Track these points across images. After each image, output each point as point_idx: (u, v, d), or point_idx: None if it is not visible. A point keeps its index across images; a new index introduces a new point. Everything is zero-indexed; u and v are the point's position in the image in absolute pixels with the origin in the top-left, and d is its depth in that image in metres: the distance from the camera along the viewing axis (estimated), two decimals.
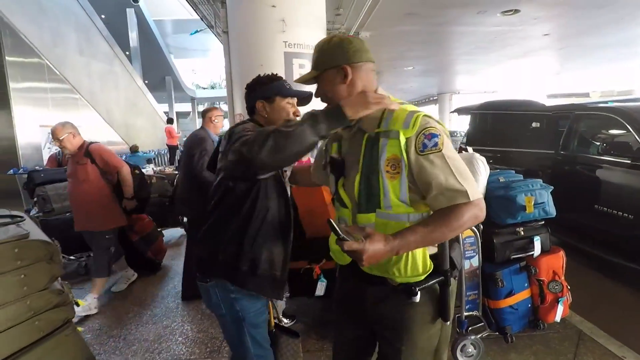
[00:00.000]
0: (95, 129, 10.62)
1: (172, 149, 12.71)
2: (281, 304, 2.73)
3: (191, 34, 11.64)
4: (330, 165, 1.21)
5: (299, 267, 2.51)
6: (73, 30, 10.15)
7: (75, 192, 3.11)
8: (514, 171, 2.56)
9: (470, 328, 2.23)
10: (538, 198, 2.26)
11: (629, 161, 3.17)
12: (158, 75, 21.80)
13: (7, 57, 7.30)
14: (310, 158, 3.46)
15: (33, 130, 7.73)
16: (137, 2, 15.98)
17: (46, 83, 8.63)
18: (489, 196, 2.33)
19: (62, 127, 2.97)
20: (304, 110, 1.38)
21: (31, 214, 3.78)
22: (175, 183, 4.15)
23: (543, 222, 2.41)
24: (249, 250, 1.32)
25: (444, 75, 16.06)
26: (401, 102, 1.10)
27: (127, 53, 15.42)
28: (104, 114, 11.18)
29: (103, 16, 12.88)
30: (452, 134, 12.73)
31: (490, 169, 2.42)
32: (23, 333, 1.64)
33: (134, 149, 10.14)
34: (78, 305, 2.16)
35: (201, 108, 33.15)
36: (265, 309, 1.47)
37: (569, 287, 2.37)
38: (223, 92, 26.79)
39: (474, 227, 2.23)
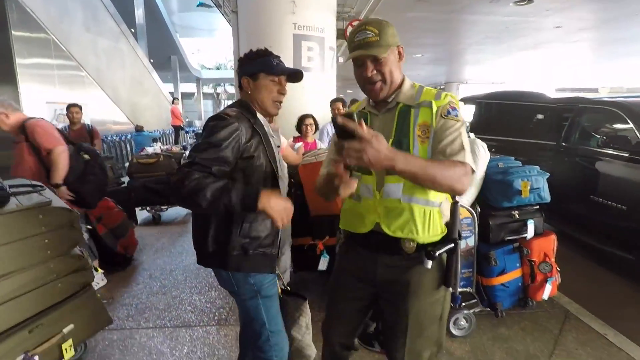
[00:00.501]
0: (101, 108, 10.66)
1: (177, 129, 12.76)
2: (286, 278, 2.86)
3: (197, 4, 11.53)
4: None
5: (303, 243, 2.63)
6: (79, 5, 10.05)
7: (14, 175, 2.63)
8: (513, 157, 2.64)
9: (464, 304, 2.37)
10: (534, 183, 2.37)
11: (626, 154, 3.24)
12: (164, 54, 21.66)
13: (13, 32, 7.22)
14: (316, 141, 3.55)
15: (40, 107, 7.74)
16: None
17: (52, 59, 8.60)
18: (487, 180, 2.44)
19: None
20: (296, 87, 1.42)
21: None
22: (181, 162, 4.18)
23: (538, 207, 2.52)
24: (236, 238, 1.33)
25: (453, 64, 15.88)
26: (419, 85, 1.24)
27: (133, 31, 15.29)
28: (110, 93, 11.17)
29: None
30: None
31: (491, 157, 2.52)
32: (47, 294, 1.77)
33: (139, 129, 10.22)
34: (97, 271, 2.29)
35: (206, 89, 33.02)
36: (276, 281, 1.47)
37: (558, 269, 2.50)
38: (228, 73, 26.61)
39: (471, 209, 2.35)
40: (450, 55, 13.35)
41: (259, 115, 1.40)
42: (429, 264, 1.19)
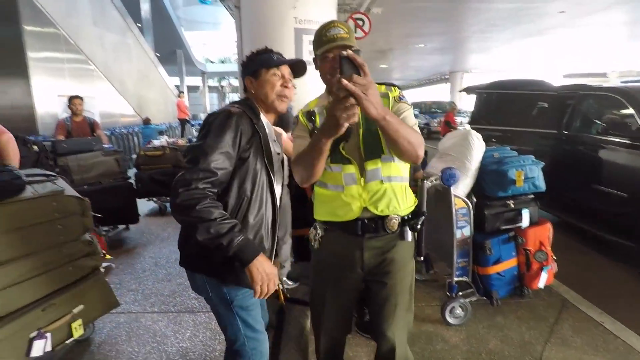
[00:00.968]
0: (109, 101, 10.81)
1: (183, 122, 12.86)
2: (286, 268, 2.93)
3: (200, 1, 11.56)
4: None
5: (303, 233, 2.68)
6: (87, 0, 10.16)
7: None
8: (509, 147, 2.67)
9: (460, 293, 2.43)
10: (528, 173, 2.40)
11: (627, 141, 3.23)
12: (169, 48, 21.75)
13: (25, 27, 7.39)
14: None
15: (51, 99, 7.93)
16: None
17: (62, 53, 8.76)
18: (483, 170, 2.48)
19: None
20: (296, 81, 1.44)
21: None
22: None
23: (532, 196, 2.55)
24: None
25: (456, 53, 15.76)
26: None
27: (139, 25, 15.39)
28: (117, 86, 11.31)
29: None
30: (458, 113, 12.59)
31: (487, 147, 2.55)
32: (59, 276, 1.88)
33: (146, 121, 10.37)
34: (105, 256, 2.40)
35: (211, 82, 33.10)
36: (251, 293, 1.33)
37: (554, 258, 2.53)
38: (233, 67, 26.64)
39: (466, 199, 2.39)
40: (454, 44, 13.26)
41: (262, 117, 1.37)
42: (409, 235, 1.35)
